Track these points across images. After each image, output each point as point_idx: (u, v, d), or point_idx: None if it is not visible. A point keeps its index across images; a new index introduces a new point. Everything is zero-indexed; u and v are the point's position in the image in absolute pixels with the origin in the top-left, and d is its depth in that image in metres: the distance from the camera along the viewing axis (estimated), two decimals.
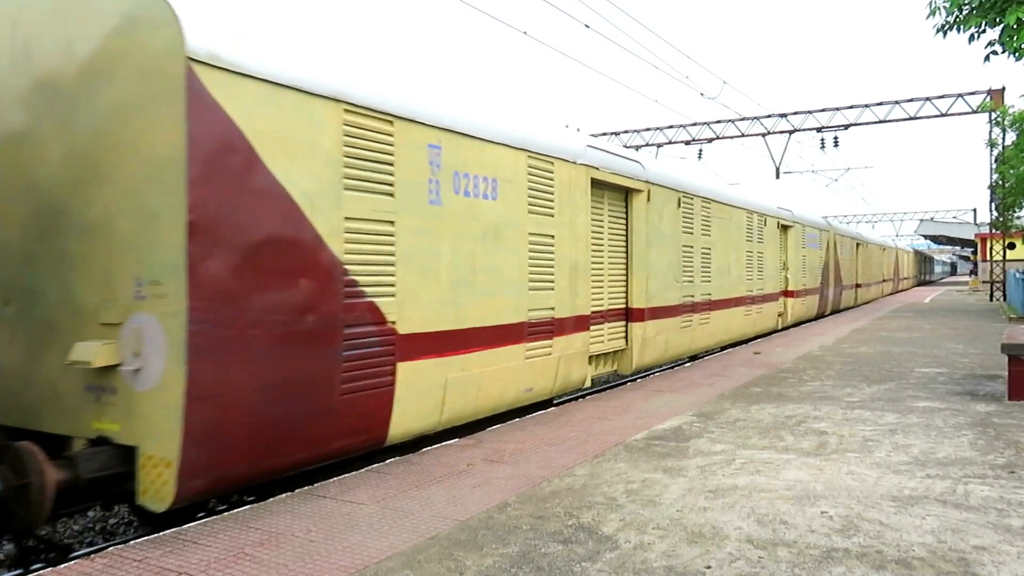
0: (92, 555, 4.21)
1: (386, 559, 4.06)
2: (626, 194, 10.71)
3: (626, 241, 10.74)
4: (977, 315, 23.54)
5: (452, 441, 7.00)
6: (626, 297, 10.75)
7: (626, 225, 10.74)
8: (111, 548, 4.35)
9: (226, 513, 4.96)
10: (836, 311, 25.48)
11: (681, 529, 4.45)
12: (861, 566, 3.87)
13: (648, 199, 10.96)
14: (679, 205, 12.17)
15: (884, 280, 39.08)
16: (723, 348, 15.10)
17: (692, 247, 12.75)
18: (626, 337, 10.76)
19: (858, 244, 30.06)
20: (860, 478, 5.47)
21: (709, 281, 13.59)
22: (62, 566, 4.05)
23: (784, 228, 18.79)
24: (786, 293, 18.93)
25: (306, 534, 4.49)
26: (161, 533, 4.56)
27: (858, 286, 30.01)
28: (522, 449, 6.56)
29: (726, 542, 4.23)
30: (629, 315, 10.76)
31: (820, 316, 23.28)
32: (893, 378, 10.38)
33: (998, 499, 4.94)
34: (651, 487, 5.32)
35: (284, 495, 5.35)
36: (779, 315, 18.59)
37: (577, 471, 5.79)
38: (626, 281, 10.75)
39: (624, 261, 10.73)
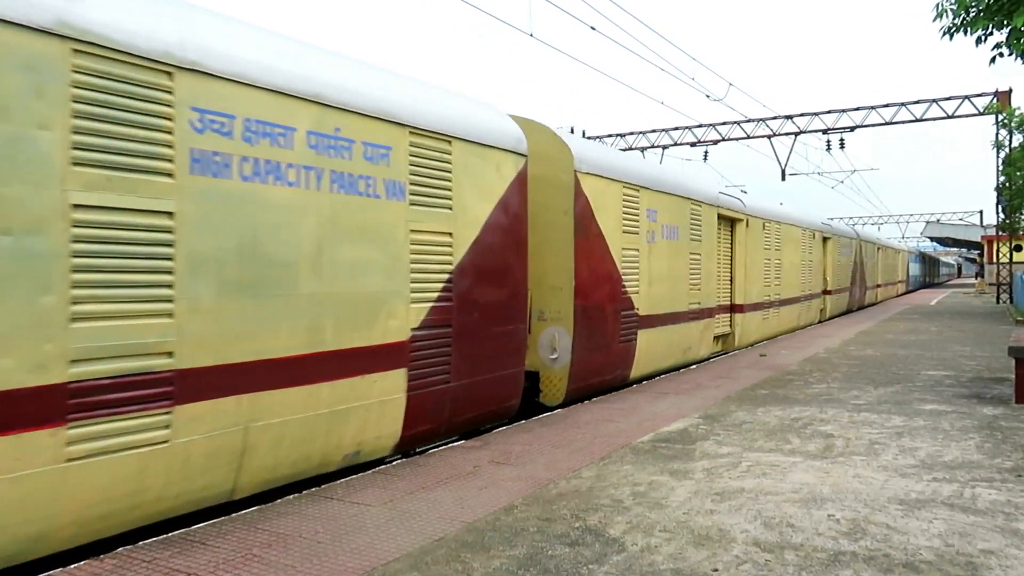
0: (102, 556, 4.24)
1: (393, 561, 4.08)
2: (732, 222, 15.08)
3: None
4: (984, 318, 23.46)
5: (458, 443, 7.02)
6: (730, 292, 14.95)
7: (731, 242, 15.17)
8: (120, 549, 4.37)
9: (234, 514, 4.98)
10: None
11: (688, 532, 4.45)
12: (868, 569, 3.87)
13: (747, 225, 15.29)
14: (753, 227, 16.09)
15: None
16: None
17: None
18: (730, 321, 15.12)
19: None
20: (867, 481, 5.47)
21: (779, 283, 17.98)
22: (72, 566, 4.08)
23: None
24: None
25: (313, 535, 4.51)
26: (170, 534, 4.58)
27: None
28: (528, 451, 6.57)
29: (733, 545, 4.24)
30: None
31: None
32: (900, 381, 10.36)
33: (1005, 503, 4.93)
34: (657, 489, 5.32)
35: (292, 496, 5.37)
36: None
37: (583, 473, 5.80)
38: (731, 278, 15.04)
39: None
